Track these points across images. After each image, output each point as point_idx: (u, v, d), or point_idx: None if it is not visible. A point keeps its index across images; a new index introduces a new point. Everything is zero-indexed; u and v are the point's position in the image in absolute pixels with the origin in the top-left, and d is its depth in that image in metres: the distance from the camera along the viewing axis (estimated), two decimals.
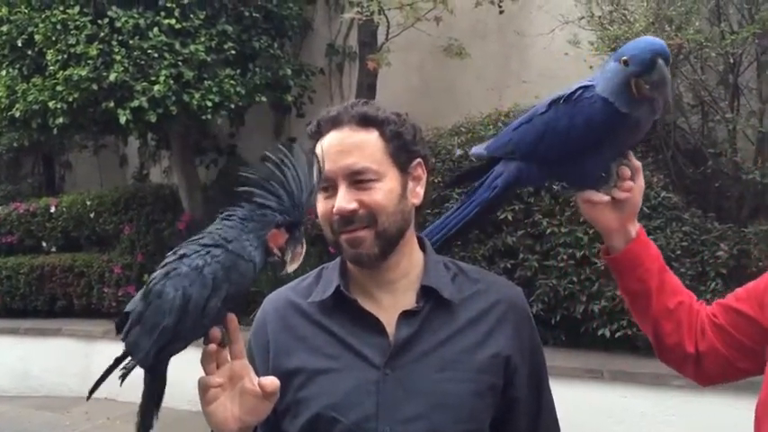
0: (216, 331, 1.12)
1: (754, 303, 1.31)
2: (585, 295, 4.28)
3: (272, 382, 1.15)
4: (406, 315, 1.29)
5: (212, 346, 1.12)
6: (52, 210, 7.50)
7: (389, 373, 1.26)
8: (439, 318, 1.31)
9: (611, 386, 4.07)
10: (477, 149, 1.51)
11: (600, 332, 4.25)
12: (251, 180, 1.15)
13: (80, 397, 6.28)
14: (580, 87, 1.29)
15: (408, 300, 1.32)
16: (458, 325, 1.31)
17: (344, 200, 1.25)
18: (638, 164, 1.34)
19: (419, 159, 1.34)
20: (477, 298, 1.34)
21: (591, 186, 1.32)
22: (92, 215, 7.22)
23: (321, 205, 1.29)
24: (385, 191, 1.27)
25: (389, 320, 1.29)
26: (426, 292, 1.31)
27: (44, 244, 7.63)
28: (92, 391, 1.23)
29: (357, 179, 1.26)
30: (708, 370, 1.37)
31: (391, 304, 1.31)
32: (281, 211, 1.13)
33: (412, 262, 1.35)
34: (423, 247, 1.39)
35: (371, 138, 1.28)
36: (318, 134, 1.30)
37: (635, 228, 1.37)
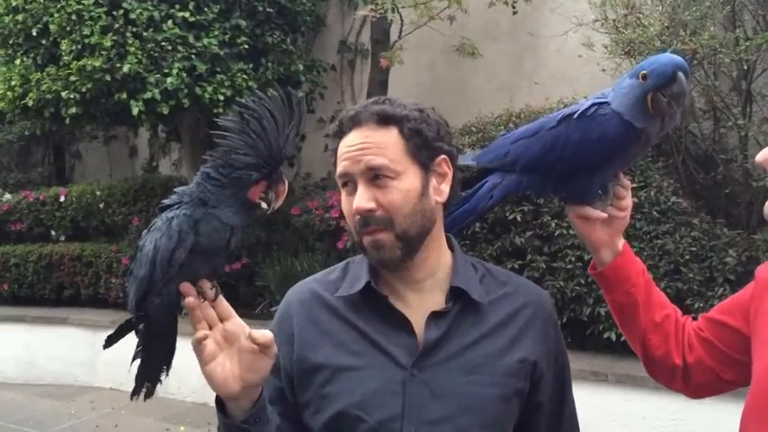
0: (186, 285, 1.13)
1: (738, 314, 1.33)
2: (592, 298, 4.28)
3: (263, 334, 1.15)
4: (434, 316, 1.28)
5: (189, 300, 1.13)
6: (62, 199, 7.53)
7: (416, 374, 1.24)
8: (467, 320, 1.29)
9: (615, 389, 4.08)
10: (463, 160, 1.52)
11: (606, 335, 4.25)
12: (226, 136, 1.14)
13: (86, 386, 6.33)
14: (594, 104, 1.31)
15: (436, 300, 1.30)
16: (486, 328, 1.29)
17: (363, 198, 1.24)
18: (627, 183, 1.38)
19: (443, 156, 1.31)
20: (505, 300, 1.33)
21: (588, 202, 1.35)
22: (101, 205, 7.24)
23: (345, 204, 1.29)
24: (402, 190, 1.25)
25: (417, 320, 1.28)
26: (455, 293, 1.30)
27: (53, 233, 7.66)
28: (108, 344, 1.25)
29: (375, 175, 1.24)
30: (696, 383, 1.39)
31: (418, 303, 1.30)
32: (257, 166, 1.12)
33: (439, 261, 1.33)
34: (451, 246, 1.38)
35: (390, 136, 1.26)
36: (341, 133, 1.29)
37: (621, 242, 1.40)
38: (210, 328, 1.15)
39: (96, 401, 5.92)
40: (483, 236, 4.63)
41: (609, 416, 4.11)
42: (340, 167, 1.27)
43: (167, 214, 1.15)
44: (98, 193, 7.31)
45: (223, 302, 1.17)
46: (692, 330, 1.39)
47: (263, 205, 1.16)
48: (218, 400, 1.19)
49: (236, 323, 1.16)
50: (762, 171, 4.30)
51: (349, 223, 1.29)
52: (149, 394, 1.27)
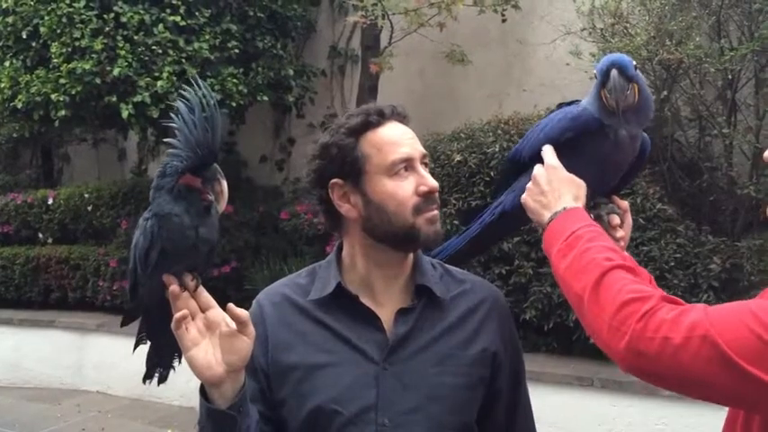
0: (167, 277, 1.18)
1: None
2: None
3: (241, 310, 1.20)
4: (402, 312, 1.36)
5: (173, 288, 1.17)
6: (50, 201, 7.50)
7: (388, 367, 1.32)
8: (431, 315, 1.38)
9: (601, 394, 4.11)
10: None
11: (591, 340, 4.28)
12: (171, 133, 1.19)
13: (72, 389, 6.30)
14: (571, 101, 1.42)
15: (402, 297, 1.39)
16: (449, 322, 1.38)
17: (432, 179, 1.35)
18: (625, 204, 1.42)
19: None
20: (465, 296, 1.42)
21: None
22: (89, 208, 7.22)
23: (399, 188, 1.33)
24: None
25: (385, 317, 1.36)
26: (419, 291, 1.39)
27: (40, 235, 7.63)
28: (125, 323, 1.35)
29: (425, 162, 1.38)
30: None
31: (386, 301, 1.38)
32: (180, 157, 1.15)
33: (410, 260, 1.42)
34: None
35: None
36: (366, 127, 1.36)
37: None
38: (193, 318, 1.20)
39: (83, 405, 5.89)
40: None
41: (594, 421, 4.14)
42: (402, 152, 1.34)
43: (146, 215, 1.20)
44: (86, 195, 7.29)
45: (204, 293, 1.21)
46: None
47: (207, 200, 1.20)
48: (202, 390, 1.22)
49: (218, 312, 1.21)
50: (745, 179, 4.37)
51: (399, 207, 1.33)
52: (162, 379, 1.34)
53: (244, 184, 7.20)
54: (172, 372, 1.34)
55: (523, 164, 1.47)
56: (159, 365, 1.32)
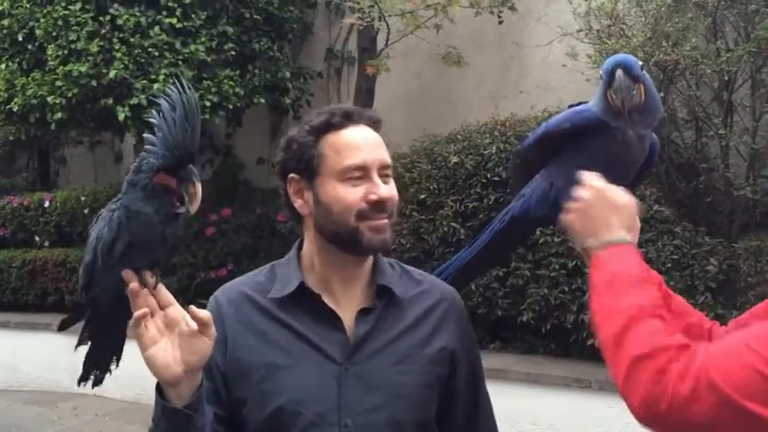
0: (128, 273, 1.16)
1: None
2: (576, 305, 4.31)
3: (204, 312, 1.19)
4: (362, 312, 1.36)
5: (133, 285, 1.16)
6: (46, 204, 7.48)
7: (349, 367, 1.32)
8: (391, 315, 1.38)
9: (598, 396, 4.10)
10: None
11: (589, 342, 4.28)
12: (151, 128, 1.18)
13: (69, 392, 6.27)
14: (580, 102, 1.41)
15: (363, 297, 1.39)
16: (408, 321, 1.39)
17: (386, 188, 1.33)
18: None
19: None
20: (423, 296, 1.43)
21: None
22: (86, 211, 7.19)
23: (348, 193, 1.31)
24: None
25: (346, 317, 1.36)
26: (379, 291, 1.38)
27: (37, 238, 7.61)
28: (63, 328, 1.31)
29: (384, 173, 1.34)
30: None
31: (347, 301, 1.38)
32: (156, 155, 1.14)
33: (369, 263, 1.42)
34: None
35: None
36: (328, 128, 1.34)
37: None
38: (152, 315, 1.18)
39: (79, 408, 5.87)
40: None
41: (592, 422, 4.13)
42: (358, 157, 1.32)
43: (112, 206, 1.18)
44: (83, 198, 7.28)
45: (163, 290, 1.20)
46: (718, 335, 1.37)
47: (182, 208, 1.18)
48: (159, 389, 1.21)
49: (177, 309, 1.19)
50: (742, 180, 4.37)
51: (343, 210, 1.32)
52: (98, 382, 1.31)
53: (241, 187, 7.19)
54: (108, 375, 1.31)
55: (532, 162, 1.48)
56: (96, 368, 1.29)
